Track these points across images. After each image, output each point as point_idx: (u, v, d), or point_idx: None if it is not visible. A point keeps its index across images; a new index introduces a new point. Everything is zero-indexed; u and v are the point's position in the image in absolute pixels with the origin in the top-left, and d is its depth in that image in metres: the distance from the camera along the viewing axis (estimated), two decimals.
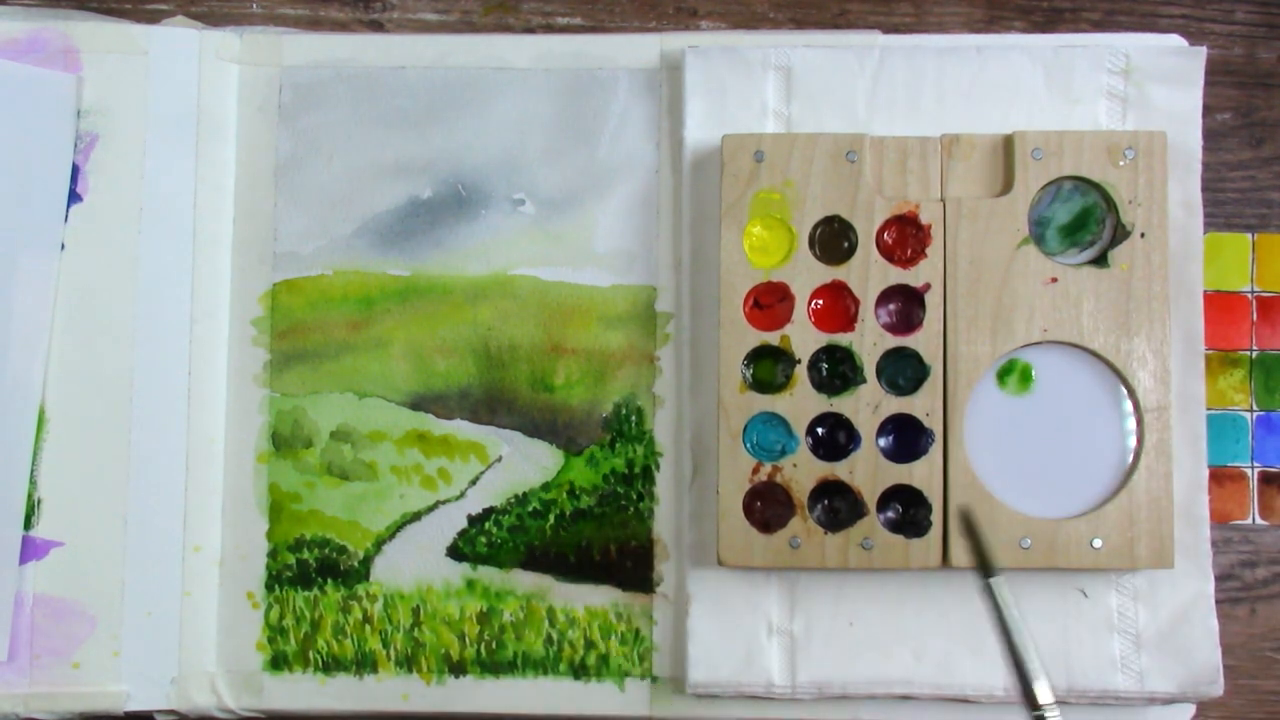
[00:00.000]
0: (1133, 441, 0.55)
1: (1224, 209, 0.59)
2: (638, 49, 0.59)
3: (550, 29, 0.61)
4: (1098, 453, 0.55)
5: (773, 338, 0.55)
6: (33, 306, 0.58)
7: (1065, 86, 0.57)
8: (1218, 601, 0.55)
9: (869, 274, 0.55)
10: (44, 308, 0.58)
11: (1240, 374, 0.58)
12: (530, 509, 0.58)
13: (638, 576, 0.57)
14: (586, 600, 0.57)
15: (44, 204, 0.58)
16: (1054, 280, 0.55)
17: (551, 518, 0.58)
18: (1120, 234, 0.55)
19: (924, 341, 0.55)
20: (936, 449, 0.54)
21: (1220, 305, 0.59)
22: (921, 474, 0.54)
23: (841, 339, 0.55)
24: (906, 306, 0.56)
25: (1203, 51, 0.57)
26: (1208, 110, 0.57)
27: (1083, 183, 0.55)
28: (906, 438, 0.55)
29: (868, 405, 0.55)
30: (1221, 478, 0.58)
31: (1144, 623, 0.55)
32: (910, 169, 0.56)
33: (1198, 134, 0.57)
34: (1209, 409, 0.57)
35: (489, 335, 0.58)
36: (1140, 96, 0.57)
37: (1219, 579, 0.57)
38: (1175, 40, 0.58)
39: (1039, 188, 0.55)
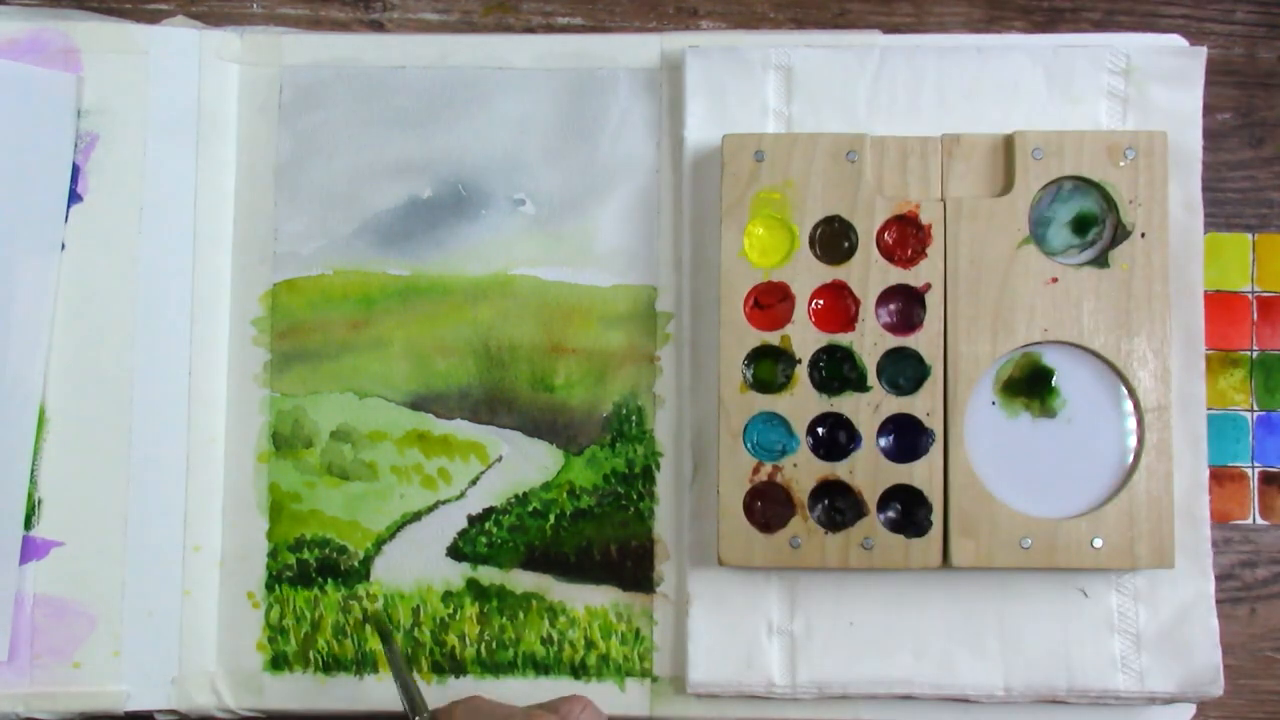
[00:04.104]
0: (1133, 441, 0.55)
1: (1224, 209, 0.59)
2: (638, 49, 0.59)
3: (550, 29, 0.61)
4: (1098, 452, 0.55)
5: (773, 338, 0.55)
6: (33, 306, 0.58)
7: (1066, 86, 0.57)
8: (1218, 601, 0.55)
9: (869, 274, 0.55)
10: (44, 308, 0.58)
11: (1240, 374, 0.58)
12: (530, 509, 0.58)
13: (638, 576, 0.57)
14: (587, 600, 0.57)
15: (44, 204, 0.58)
16: (1054, 280, 0.55)
17: (552, 518, 0.58)
18: (1121, 234, 0.55)
19: (924, 341, 0.55)
20: (937, 449, 0.54)
21: (1220, 305, 0.58)
22: (922, 474, 0.54)
23: (842, 339, 0.55)
24: (907, 306, 0.56)
25: (1203, 51, 0.57)
26: (1208, 110, 0.57)
27: (1083, 183, 0.55)
28: (907, 438, 0.55)
29: (868, 405, 0.54)
30: (1222, 478, 0.58)
31: (1144, 622, 0.55)
32: (911, 169, 0.55)
33: (1198, 134, 0.57)
34: (1209, 409, 0.57)
35: (489, 335, 0.58)
36: (1140, 97, 0.57)
37: (1219, 579, 0.56)
38: (1175, 40, 0.58)
39: (1039, 188, 0.55)
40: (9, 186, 0.58)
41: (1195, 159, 0.56)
